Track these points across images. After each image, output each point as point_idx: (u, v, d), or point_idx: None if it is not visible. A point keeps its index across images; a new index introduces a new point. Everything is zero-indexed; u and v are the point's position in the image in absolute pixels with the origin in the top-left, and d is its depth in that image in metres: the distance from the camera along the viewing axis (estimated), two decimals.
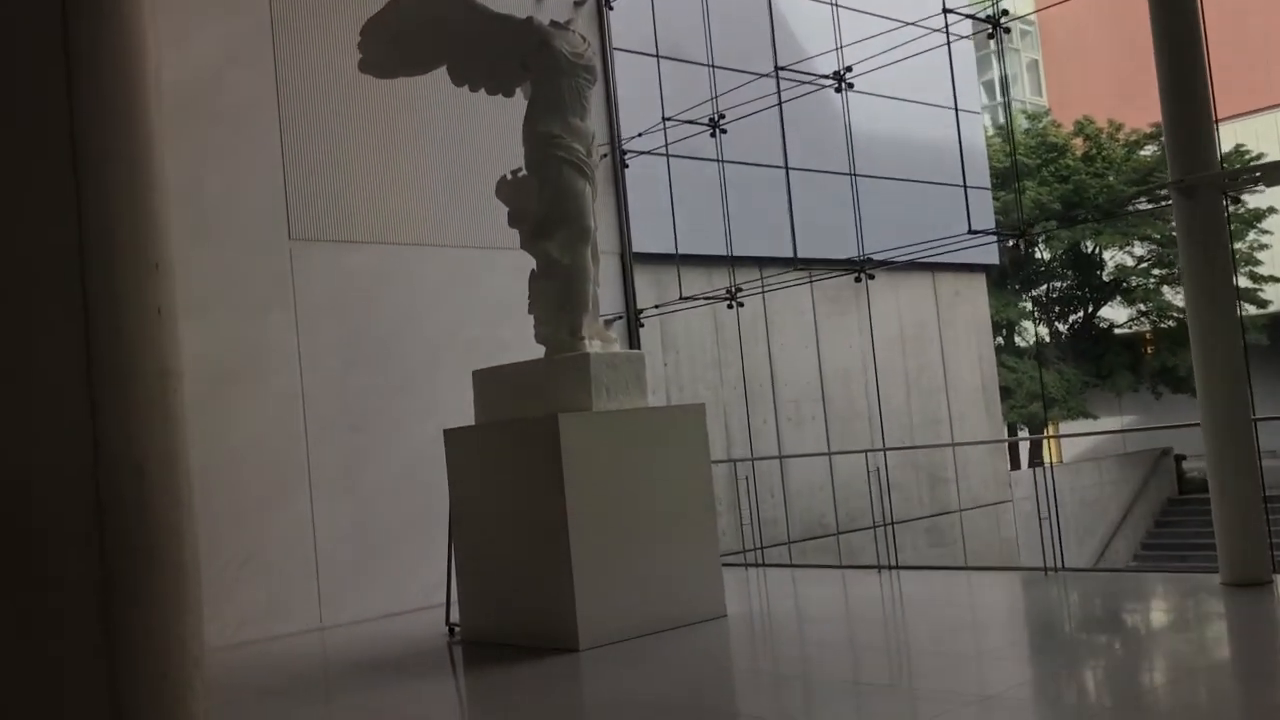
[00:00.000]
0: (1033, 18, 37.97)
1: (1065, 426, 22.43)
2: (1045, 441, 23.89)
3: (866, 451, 10.65)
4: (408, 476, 9.26)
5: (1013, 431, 21.65)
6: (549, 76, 7.33)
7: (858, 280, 10.41)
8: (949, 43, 8.97)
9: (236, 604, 8.48)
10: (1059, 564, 7.94)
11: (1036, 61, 39.81)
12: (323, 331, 9.13)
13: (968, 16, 8.77)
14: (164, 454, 2.32)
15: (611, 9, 11.70)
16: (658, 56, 11.73)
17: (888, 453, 12.17)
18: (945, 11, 8.76)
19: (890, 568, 9.11)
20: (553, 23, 7.48)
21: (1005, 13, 8.27)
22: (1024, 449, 22.94)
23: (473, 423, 7.55)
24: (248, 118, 8.99)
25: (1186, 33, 6.72)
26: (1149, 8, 6.85)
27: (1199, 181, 6.40)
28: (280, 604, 8.72)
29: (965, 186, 9.13)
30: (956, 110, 9.70)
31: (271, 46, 9.16)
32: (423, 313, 9.71)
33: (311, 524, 8.95)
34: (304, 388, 9.00)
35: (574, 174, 7.20)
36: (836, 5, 10.96)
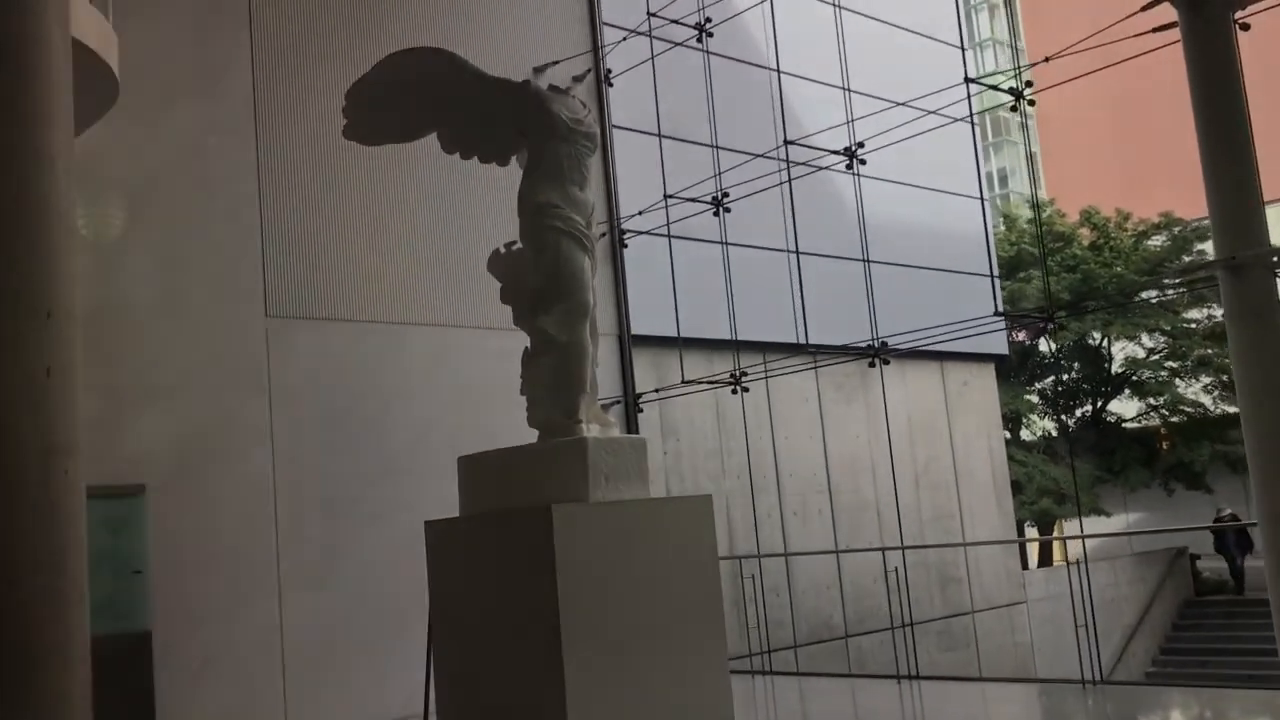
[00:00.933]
0: (1031, 111, 38.31)
1: (1078, 524, 21.79)
2: (1055, 542, 23.25)
3: (883, 549, 10.07)
4: (386, 572, 8.68)
5: (1022, 529, 21.02)
6: (546, 143, 6.96)
7: (871, 365, 9.98)
8: (971, 115, 8.67)
9: (200, 707, 7.85)
10: (1097, 675, 7.31)
11: (1034, 154, 40.12)
12: (299, 413, 8.69)
13: (991, 88, 8.48)
14: (48, 555, 1.79)
15: (611, 85, 11.50)
16: (659, 135, 11.49)
17: (900, 551, 11.58)
18: (967, 81, 8.48)
19: (910, 678, 8.45)
20: (551, 86, 7.13)
21: (1029, 84, 7.97)
22: (1032, 549, 22.29)
23: (457, 514, 6.99)
24: (226, 189, 8.66)
25: (1231, 111, 6.43)
26: (1190, 85, 6.55)
27: (1250, 260, 5.98)
28: (245, 709, 8.08)
29: (992, 270, 8.76)
30: (980, 181, 9.37)
31: (253, 115, 8.86)
32: (407, 395, 9.29)
33: (279, 622, 8.34)
34: (276, 474, 8.49)
35: (573, 246, 6.79)
36: (847, 76, 10.67)
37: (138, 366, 7.99)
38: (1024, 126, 8.37)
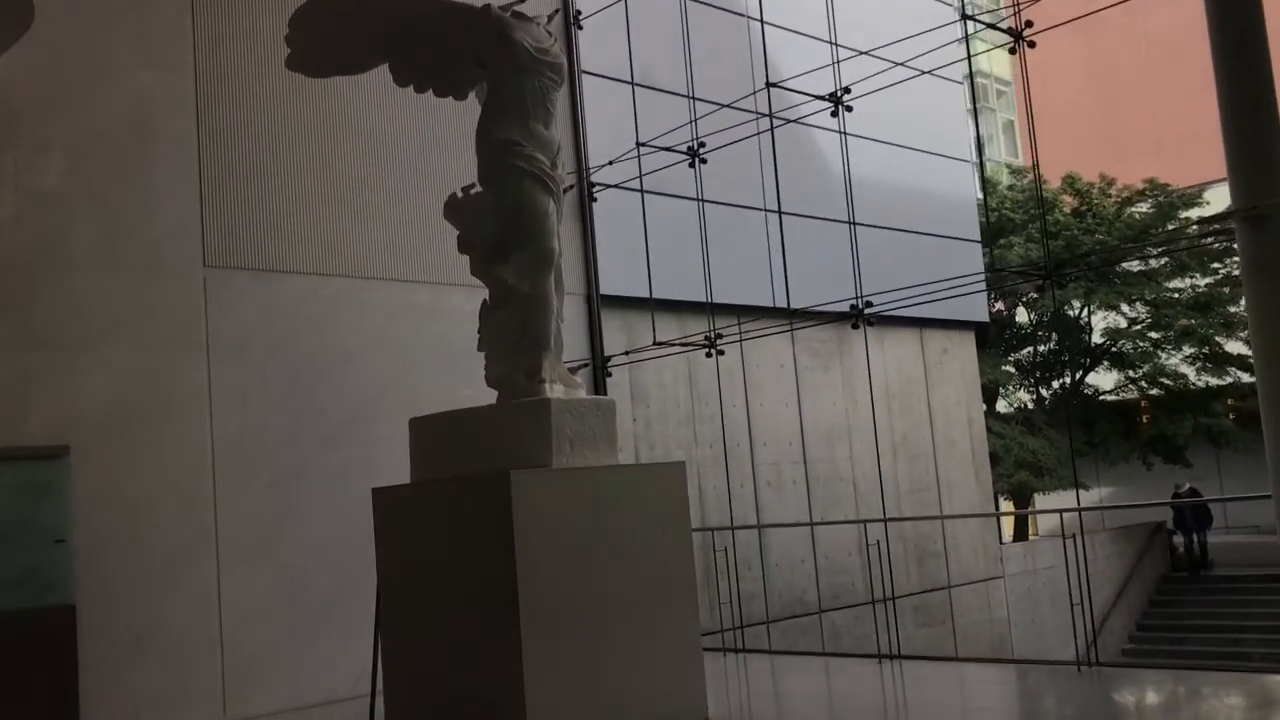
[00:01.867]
0: (1008, 78, 38.07)
1: (1055, 497, 21.67)
2: (1030, 516, 23.13)
3: (864, 522, 9.75)
4: (335, 543, 8.22)
5: (998, 502, 20.84)
6: (508, 75, 6.48)
7: (855, 327, 9.60)
8: (969, 56, 8.24)
9: (129, 688, 7.43)
10: (1093, 658, 6.97)
11: (1012, 122, 39.86)
12: (239, 372, 8.18)
13: (989, 25, 8.02)
14: None
15: (581, 29, 11.00)
16: (632, 83, 11.01)
17: (878, 525, 11.26)
18: (964, 18, 8.02)
19: (891, 657, 8.09)
20: (514, 12, 6.63)
21: (1029, 24, 7.52)
22: (1007, 523, 22.14)
23: (408, 481, 6.54)
24: (160, 125, 8.08)
25: (1253, 58, 6.04)
26: (1209, 29, 6.16)
27: (1273, 209, 5.59)
28: (179, 689, 7.65)
29: (987, 217, 8.34)
30: (977, 133, 8.96)
31: (191, 46, 8.27)
32: (358, 354, 8.80)
33: (218, 596, 7.87)
34: (214, 436, 8.00)
35: (536, 188, 6.34)
36: (833, 16, 10.22)
37: (60, 318, 7.46)
38: (1023, 71, 7.95)
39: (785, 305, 10.98)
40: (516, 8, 6.81)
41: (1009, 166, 27.29)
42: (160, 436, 7.74)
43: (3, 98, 7.32)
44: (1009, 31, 7.57)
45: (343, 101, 8.97)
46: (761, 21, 10.97)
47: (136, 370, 7.71)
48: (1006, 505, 22.74)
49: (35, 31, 6.87)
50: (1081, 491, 21.37)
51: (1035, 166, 8.50)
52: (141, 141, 7.97)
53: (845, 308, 10.06)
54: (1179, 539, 22.48)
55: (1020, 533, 22.35)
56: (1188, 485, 22.62)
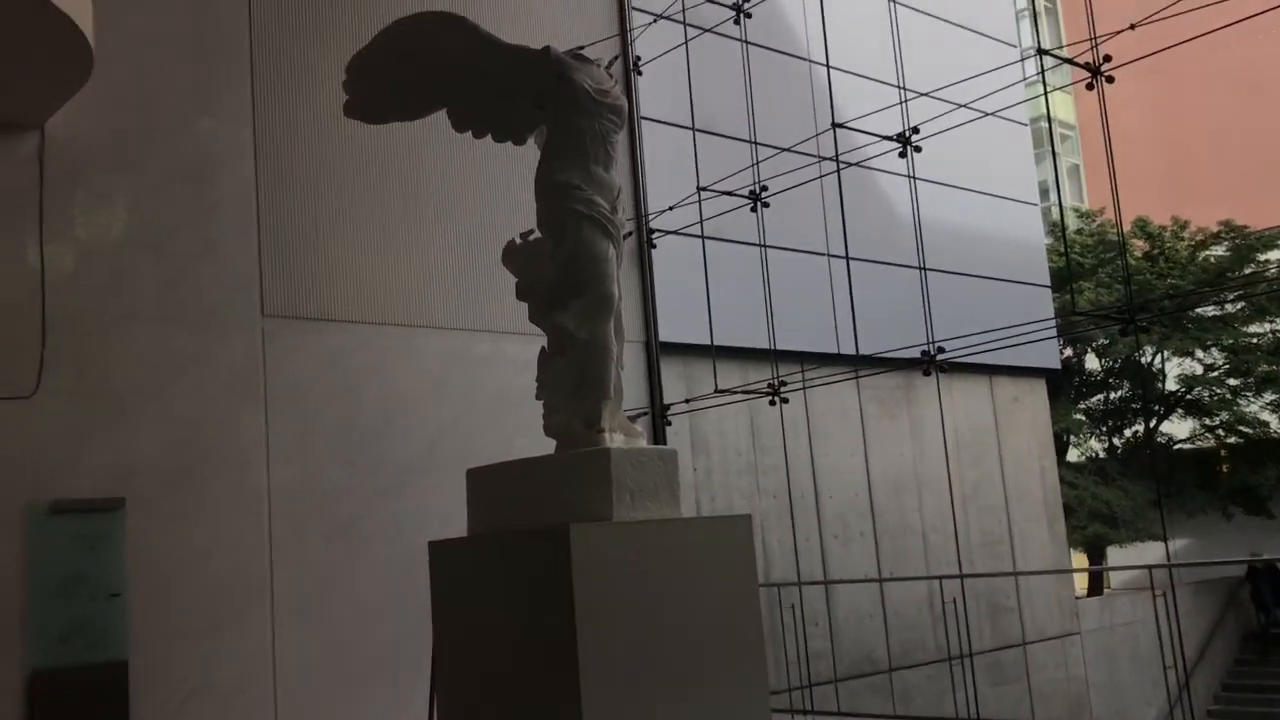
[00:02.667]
0: (1073, 122, 37.55)
1: (1131, 550, 20.91)
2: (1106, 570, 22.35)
3: (940, 578, 9.40)
4: (390, 598, 8.07)
5: (1073, 555, 20.14)
6: (568, 117, 6.37)
7: (926, 374, 9.33)
8: (1045, 92, 8.00)
9: None
10: None
11: (1077, 166, 39.27)
12: (296, 422, 8.11)
13: (1066, 60, 7.77)
14: None
15: (640, 74, 10.94)
16: (692, 129, 10.95)
17: (949, 580, 10.88)
18: (1040, 53, 7.77)
19: None
20: (574, 54, 6.53)
21: (1107, 58, 7.25)
22: (1080, 577, 21.40)
23: (465, 533, 6.35)
24: (219, 174, 8.09)
25: None
26: None
27: None
28: None
29: (1068, 260, 8.06)
30: (1057, 172, 8.71)
31: (250, 94, 8.29)
32: (415, 403, 8.71)
33: (272, 651, 7.72)
34: (270, 487, 7.91)
35: (595, 232, 6.19)
36: (900, 56, 10.08)
37: (117, 369, 7.42)
38: (1102, 109, 7.70)
39: (851, 352, 10.80)
40: (577, 51, 6.75)
41: (1076, 210, 26.78)
42: (217, 488, 7.65)
43: (65, 148, 7.36)
44: (1086, 67, 7.31)
45: (400, 149, 8.98)
46: (827, 65, 10.90)
47: (193, 421, 7.64)
48: (1080, 558, 21.98)
49: (96, 80, 6.90)
50: (1159, 545, 20.64)
51: (1115, 204, 8.19)
52: (201, 190, 7.97)
53: (914, 354, 9.78)
54: (1262, 617, 21.31)
55: (1095, 587, 21.59)
56: (1264, 555, 21.53)
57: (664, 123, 11.01)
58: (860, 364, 10.79)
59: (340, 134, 8.50)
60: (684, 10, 10.65)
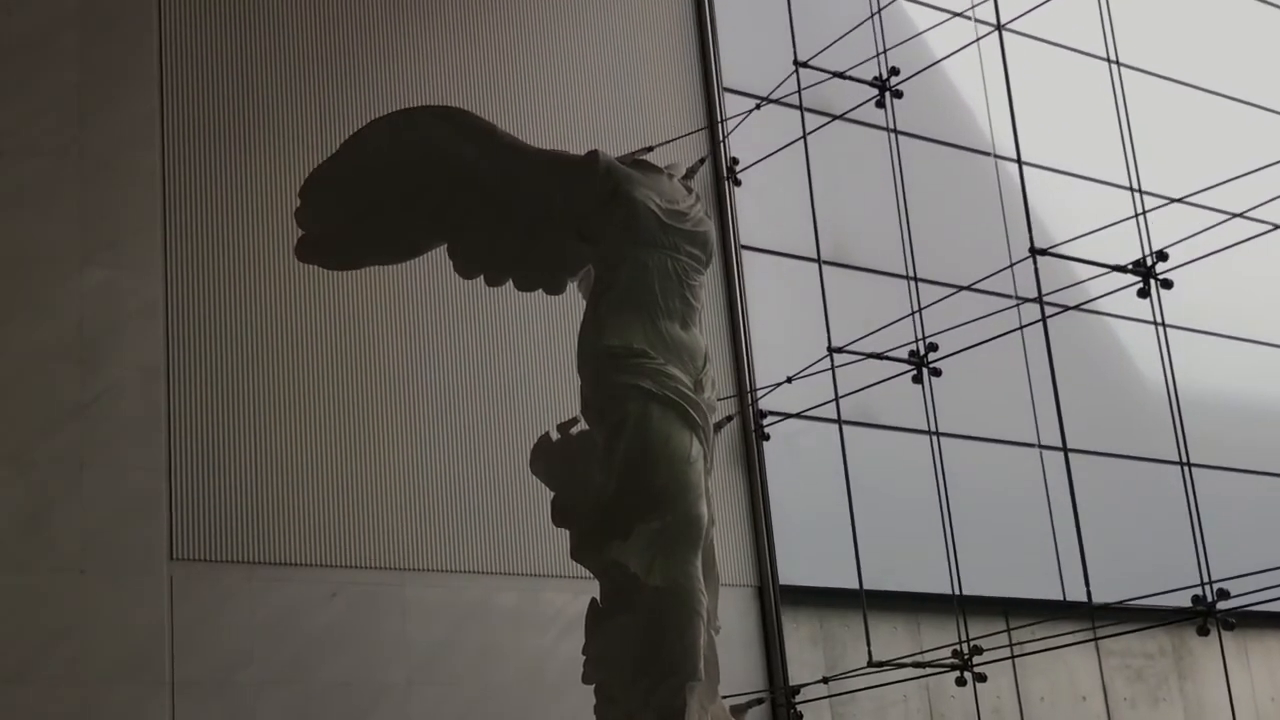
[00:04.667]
0: None
1: None
2: None
3: None
4: None
5: None
6: (626, 252, 6.62)
7: (1203, 632, 9.09)
8: None
9: None
10: None
11: None
12: (216, 716, 8.18)
13: None
14: None
15: (738, 183, 11.25)
16: (819, 260, 11.14)
17: None
18: None
19: None
20: (634, 159, 6.80)
21: None
22: None
23: None
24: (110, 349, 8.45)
25: None
26: None
27: None
28: None
29: None
30: None
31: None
32: (403, 691, 8.80)
33: None
34: None
35: (670, 420, 6.36)
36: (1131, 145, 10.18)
37: None
38: None
39: (1082, 598, 10.75)
40: (640, 154, 6.97)
41: None
42: None
43: None
44: None
45: (375, 305, 9.31)
46: (1018, 161, 11.00)
47: None
48: None
49: None
50: None
51: None
52: (86, 375, 8.29)
53: (1182, 600, 9.54)
54: None
55: None
56: None
57: (774, 253, 11.22)
58: (1098, 618, 10.55)
59: (279, 284, 8.87)
60: (799, 91, 10.85)
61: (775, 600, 10.46)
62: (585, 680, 6.41)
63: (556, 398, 8.49)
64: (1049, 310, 10.52)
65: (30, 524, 7.92)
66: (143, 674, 8.03)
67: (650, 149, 7.09)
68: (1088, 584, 10.51)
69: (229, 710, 8.20)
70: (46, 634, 7.83)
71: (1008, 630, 10.37)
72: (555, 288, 7.09)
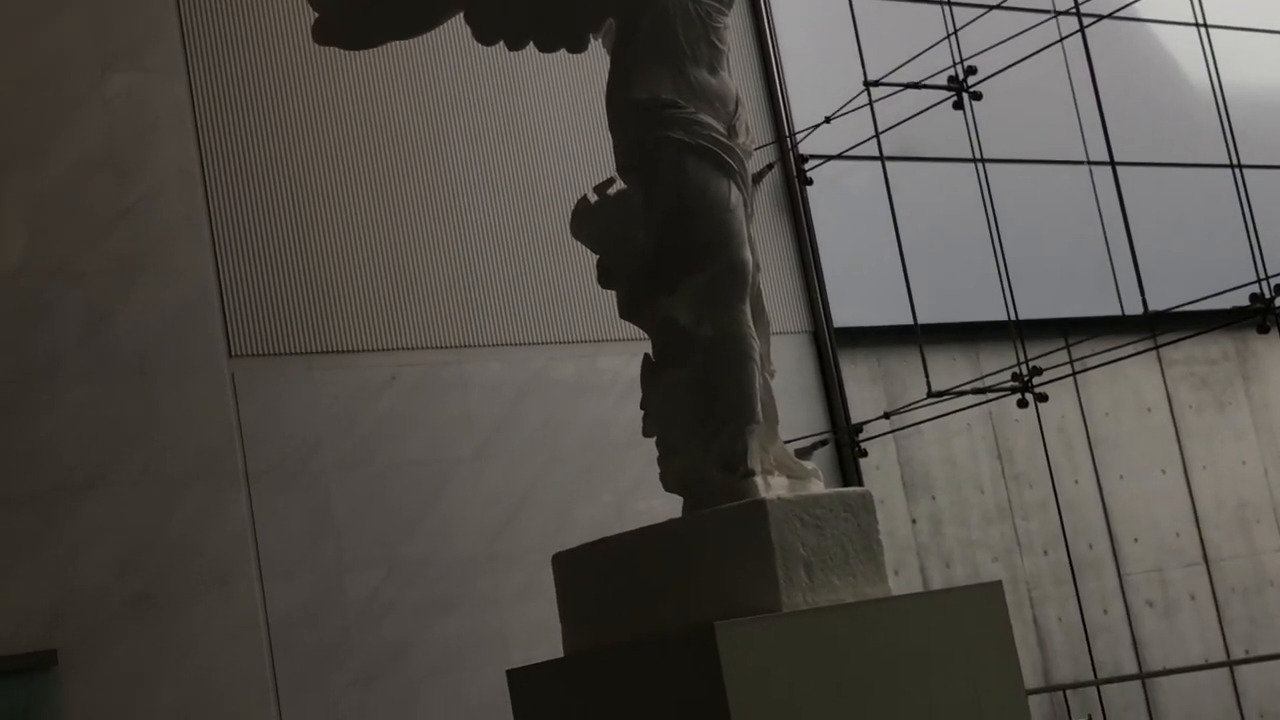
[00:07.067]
0: None
1: None
2: None
3: None
4: None
5: None
6: (648, 3, 6.47)
7: (1263, 330, 9.19)
8: None
9: None
10: None
11: None
12: (292, 508, 8.49)
13: None
14: None
15: None
16: None
17: None
18: None
19: None
20: None
21: None
22: None
23: (560, 654, 6.49)
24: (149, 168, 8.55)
25: None
26: None
27: None
28: None
29: None
30: None
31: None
32: (468, 464, 9.07)
33: None
34: (269, 613, 8.28)
35: (706, 168, 6.30)
36: None
37: (28, 463, 7.79)
38: None
39: (1139, 310, 10.81)
40: None
41: None
42: (186, 623, 7.97)
43: None
44: None
45: (405, 82, 9.32)
46: None
47: (143, 524, 7.98)
48: None
49: None
50: None
51: None
52: (123, 184, 8.39)
53: (1239, 300, 9.64)
54: None
55: None
56: None
57: None
58: (1157, 326, 10.65)
59: (305, 73, 8.90)
60: None
61: (831, 342, 10.59)
62: (645, 434, 6.48)
63: (594, 160, 8.47)
64: (1086, 21, 10.41)
65: (86, 333, 8.07)
66: (216, 470, 8.28)
67: None
68: (1143, 295, 10.57)
69: (306, 496, 8.51)
70: (117, 440, 8.03)
71: (1067, 347, 10.53)
72: (578, 46, 6.98)
